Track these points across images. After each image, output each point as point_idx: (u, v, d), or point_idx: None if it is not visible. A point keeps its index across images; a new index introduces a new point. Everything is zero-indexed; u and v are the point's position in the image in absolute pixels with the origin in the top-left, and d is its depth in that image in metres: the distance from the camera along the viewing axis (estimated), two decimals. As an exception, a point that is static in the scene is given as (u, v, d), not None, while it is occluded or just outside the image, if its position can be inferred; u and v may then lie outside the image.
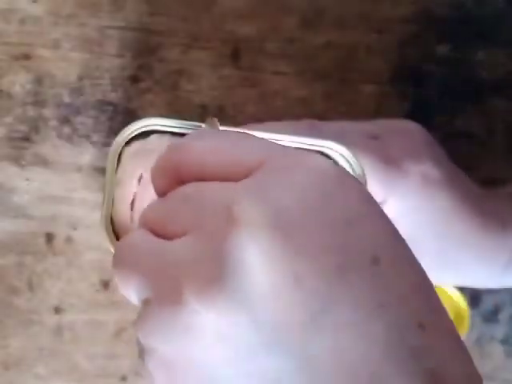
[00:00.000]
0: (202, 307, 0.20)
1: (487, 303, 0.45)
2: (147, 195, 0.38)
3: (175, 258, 0.22)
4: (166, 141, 0.38)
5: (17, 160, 0.43)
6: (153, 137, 0.38)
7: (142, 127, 0.38)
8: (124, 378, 0.44)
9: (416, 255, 0.38)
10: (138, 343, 0.24)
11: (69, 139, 0.44)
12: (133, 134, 0.38)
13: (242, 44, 0.44)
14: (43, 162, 0.43)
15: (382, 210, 0.23)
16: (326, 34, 0.45)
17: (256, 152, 0.23)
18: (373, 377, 0.20)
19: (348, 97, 0.45)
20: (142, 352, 0.23)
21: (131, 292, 0.24)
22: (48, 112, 0.44)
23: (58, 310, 0.44)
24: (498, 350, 0.46)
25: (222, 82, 0.44)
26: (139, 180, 0.38)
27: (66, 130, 0.44)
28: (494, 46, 0.45)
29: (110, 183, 0.37)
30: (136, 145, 0.38)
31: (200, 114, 0.44)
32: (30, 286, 0.44)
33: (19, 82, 0.44)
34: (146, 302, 0.23)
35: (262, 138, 0.25)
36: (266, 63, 0.45)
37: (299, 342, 0.20)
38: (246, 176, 0.23)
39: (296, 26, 0.45)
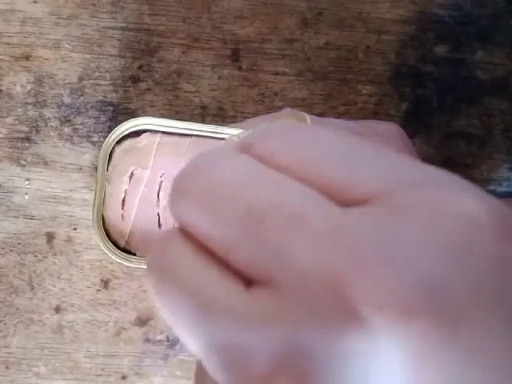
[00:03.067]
0: None
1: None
2: (138, 192, 0.38)
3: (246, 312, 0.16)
4: (157, 139, 0.38)
5: (17, 160, 0.44)
6: (144, 135, 0.38)
7: (132, 126, 0.39)
8: (124, 377, 0.44)
9: None
10: None
11: (69, 139, 0.44)
12: (124, 133, 0.39)
13: (242, 44, 0.45)
14: (43, 162, 0.44)
15: None
16: (325, 34, 0.45)
17: (375, 178, 0.17)
18: None
19: (348, 97, 0.45)
20: None
21: None
22: (48, 112, 0.44)
23: (58, 310, 0.44)
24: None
25: (222, 82, 0.44)
26: (130, 177, 0.38)
27: (67, 130, 0.44)
28: (493, 46, 0.45)
29: (101, 180, 0.38)
30: (127, 143, 0.38)
31: (200, 114, 0.44)
32: (31, 286, 0.44)
33: (20, 83, 0.44)
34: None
35: (383, 160, 0.18)
36: (265, 63, 0.45)
37: None
38: (353, 203, 0.16)
39: (296, 26, 0.45)
